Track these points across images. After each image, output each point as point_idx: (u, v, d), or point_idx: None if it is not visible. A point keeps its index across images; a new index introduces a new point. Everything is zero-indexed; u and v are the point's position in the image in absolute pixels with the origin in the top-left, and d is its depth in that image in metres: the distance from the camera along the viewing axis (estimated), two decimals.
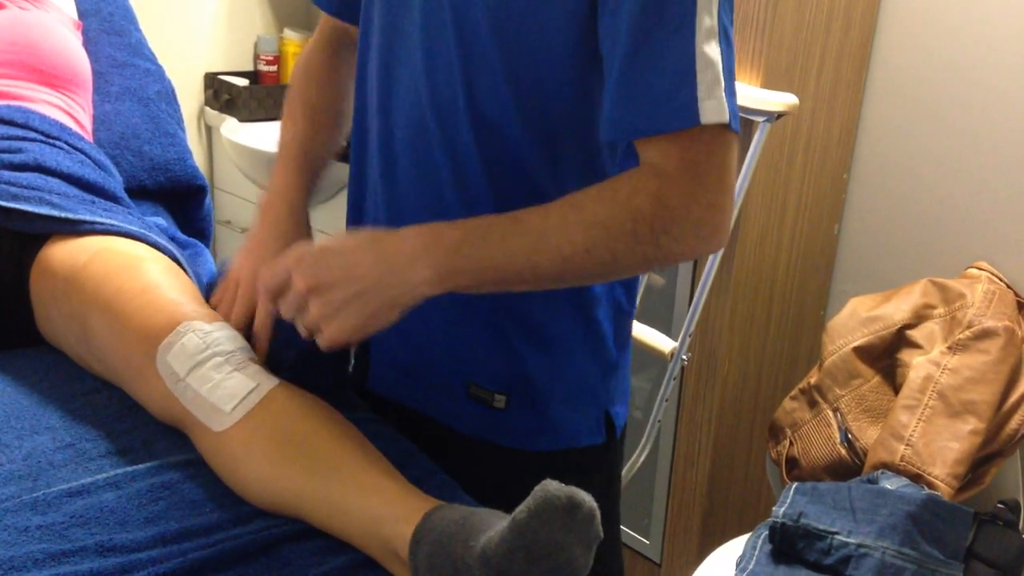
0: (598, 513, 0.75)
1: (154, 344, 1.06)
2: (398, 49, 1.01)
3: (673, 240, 0.90)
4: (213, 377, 1.01)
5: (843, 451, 1.72)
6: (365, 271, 0.90)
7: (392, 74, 1.03)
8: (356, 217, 1.15)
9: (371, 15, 1.05)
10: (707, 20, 0.87)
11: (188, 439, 1.05)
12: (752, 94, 1.60)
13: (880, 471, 1.62)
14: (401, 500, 0.87)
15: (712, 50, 0.87)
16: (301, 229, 1.13)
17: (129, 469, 1.01)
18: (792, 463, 1.79)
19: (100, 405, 1.13)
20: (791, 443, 1.80)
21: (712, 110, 0.87)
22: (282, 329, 1.09)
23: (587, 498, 0.74)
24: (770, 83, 1.66)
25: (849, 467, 1.71)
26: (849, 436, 1.72)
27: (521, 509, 0.73)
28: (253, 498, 0.96)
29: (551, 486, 0.73)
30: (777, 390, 1.96)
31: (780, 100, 1.58)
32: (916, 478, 1.59)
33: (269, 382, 1.01)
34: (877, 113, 1.90)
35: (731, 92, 0.90)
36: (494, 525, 0.76)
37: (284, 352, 1.09)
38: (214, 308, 1.13)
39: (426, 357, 1.11)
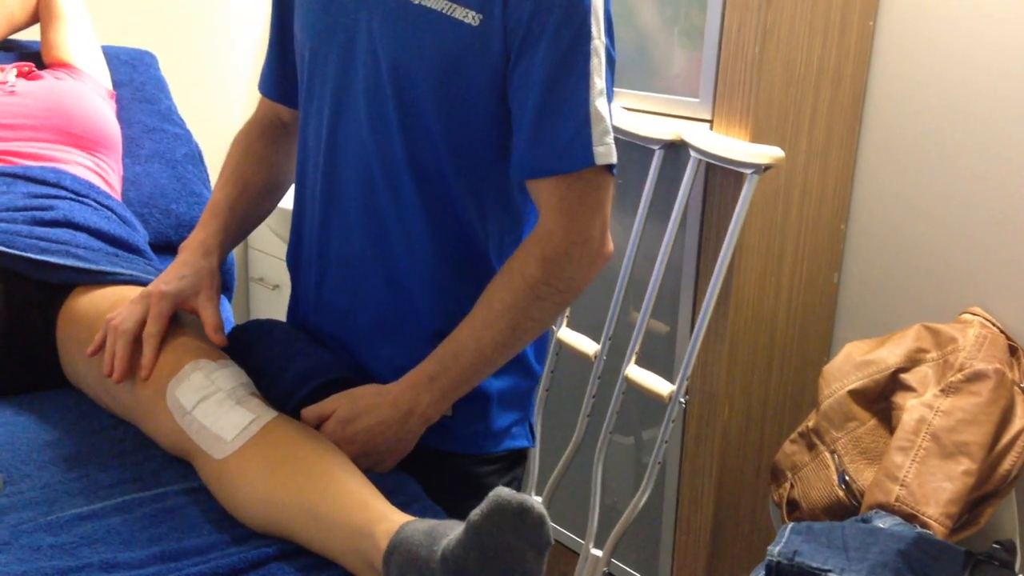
0: (547, 519, 0.82)
1: (165, 382, 1.15)
2: (344, 118, 1.17)
3: (569, 280, 1.13)
4: (216, 410, 1.10)
5: (841, 492, 1.76)
6: (386, 440, 1.14)
7: (337, 140, 1.19)
8: (296, 246, 1.33)
9: (313, 93, 1.21)
10: (598, 82, 1.08)
11: (193, 469, 1.13)
12: (739, 148, 1.67)
13: (875, 511, 1.65)
14: (380, 517, 0.95)
15: (602, 106, 1.09)
16: (209, 273, 1.24)
17: (137, 496, 1.09)
18: (793, 505, 1.83)
19: (115, 440, 1.22)
20: (792, 485, 1.84)
21: (602, 155, 1.09)
22: (293, 370, 1.19)
23: (537, 504, 0.81)
24: (759, 137, 1.73)
25: (847, 508, 1.75)
26: (847, 478, 1.75)
27: (475, 512, 0.81)
28: (248, 520, 1.04)
29: (503, 492, 0.80)
30: (782, 435, 2.00)
31: (766, 153, 1.65)
32: (910, 518, 1.62)
33: (267, 415, 1.10)
34: (871, 167, 1.97)
35: (612, 140, 1.11)
36: (456, 531, 0.83)
37: (293, 392, 1.19)
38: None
39: (381, 382, 1.23)
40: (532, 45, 1.08)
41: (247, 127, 1.38)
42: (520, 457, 1.33)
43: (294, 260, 1.33)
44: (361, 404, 1.13)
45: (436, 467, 1.24)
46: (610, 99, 1.12)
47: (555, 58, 1.07)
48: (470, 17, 1.08)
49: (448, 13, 1.08)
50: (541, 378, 1.34)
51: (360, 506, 0.97)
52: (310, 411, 1.15)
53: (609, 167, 1.11)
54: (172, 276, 1.22)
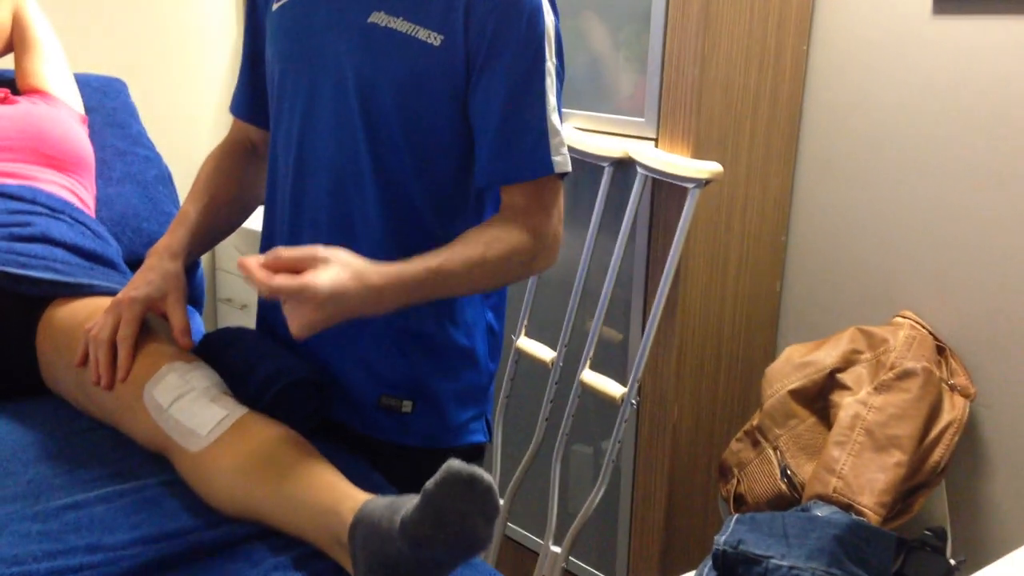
0: (495, 489, 0.91)
1: (142, 383, 1.23)
2: (313, 132, 1.27)
3: (541, 261, 1.24)
4: (191, 408, 1.18)
5: (783, 486, 1.86)
6: (342, 312, 1.10)
7: (305, 153, 1.28)
8: (271, 243, 1.38)
9: (283, 110, 1.30)
10: (552, 99, 1.21)
11: (170, 464, 1.21)
12: (682, 164, 1.79)
13: (814, 501, 1.75)
14: (344, 496, 1.03)
15: (556, 120, 1.21)
16: (175, 276, 1.31)
17: (117, 487, 1.17)
18: (739, 500, 1.93)
19: (95, 440, 1.30)
20: (738, 481, 1.94)
21: (559, 163, 1.22)
22: (262, 371, 1.27)
23: (486, 475, 0.90)
24: (701, 154, 1.85)
25: (789, 501, 1.85)
26: (788, 472, 1.86)
27: (430, 482, 0.90)
28: (223, 506, 1.12)
29: (455, 463, 0.89)
30: (731, 434, 2.10)
31: (706, 168, 1.76)
32: (847, 507, 1.73)
33: (238, 411, 1.18)
34: (809, 182, 2.09)
35: (565, 149, 1.23)
36: (413, 501, 0.92)
37: (263, 392, 1.27)
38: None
39: (344, 381, 1.33)
40: (493, 65, 1.18)
41: (219, 146, 1.47)
42: (477, 451, 1.41)
43: (269, 244, 1.40)
44: (347, 273, 1.07)
45: (395, 460, 1.32)
46: (560, 114, 1.23)
47: (515, 77, 1.18)
48: (432, 38, 1.18)
49: (412, 35, 1.18)
50: (495, 375, 1.43)
51: (327, 487, 1.06)
52: (289, 251, 1.08)
53: (563, 175, 1.24)
54: (140, 282, 1.29)
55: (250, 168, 1.45)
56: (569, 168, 1.23)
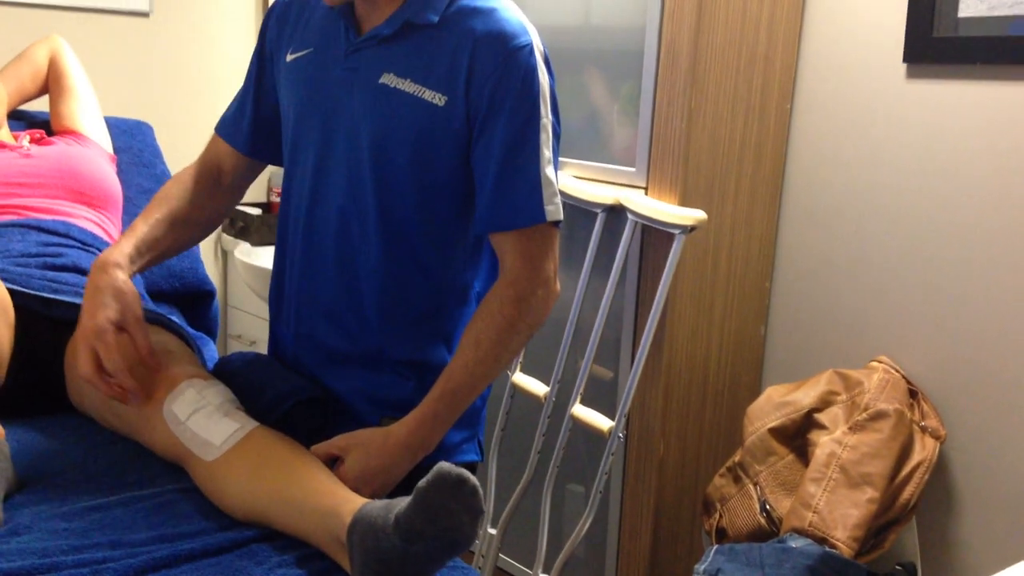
0: (480, 489, 1.02)
1: (162, 398, 1.34)
2: (325, 179, 1.38)
3: (535, 317, 1.33)
4: (207, 421, 1.30)
5: (763, 520, 1.95)
6: (396, 475, 1.31)
7: (318, 197, 1.40)
8: (277, 286, 1.51)
9: (298, 154, 1.42)
10: (546, 153, 1.31)
11: (185, 473, 1.32)
12: (669, 211, 1.91)
13: (790, 534, 1.85)
14: (344, 500, 1.14)
15: (551, 172, 1.32)
16: (126, 291, 1.35)
17: (138, 493, 1.28)
18: (721, 533, 2.02)
19: (117, 451, 1.41)
20: (720, 515, 2.04)
21: (552, 212, 1.31)
22: (273, 390, 1.39)
23: (472, 477, 1.01)
24: (688, 203, 1.97)
25: (768, 534, 1.94)
26: (767, 507, 1.95)
27: (423, 481, 1.01)
28: (234, 511, 1.23)
29: (445, 465, 1.01)
30: (715, 471, 2.20)
31: (691, 215, 1.88)
32: (822, 541, 1.82)
33: (250, 424, 1.29)
34: (792, 232, 2.21)
35: (558, 199, 1.33)
36: (406, 501, 1.03)
37: (273, 409, 1.38)
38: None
39: (347, 403, 1.43)
40: (492, 123, 1.29)
41: (187, 168, 1.55)
42: (470, 470, 1.51)
43: (275, 301, 1.53)
44: (372, 451, 1.29)
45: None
46: (556, 167, 1.35)
47: (511, 133, 1.29)
48: (437, 99, 1.31)
49: (419, 95, 1.31)
50: (487, 398, 1.53)
51: (328, 493, 1.17)
52: (319, 448, 1.30)
53: (557, 223, 1.34)
54: (96, 306, 1.33)
55: (214, 193, 1.53)
56: (561, 216, 1.33)
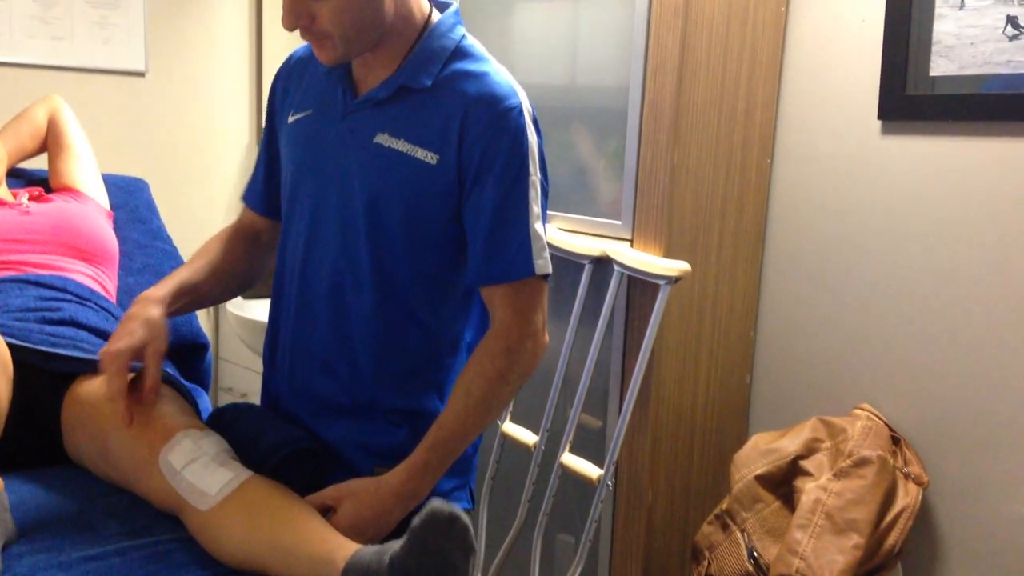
0: (471, 528, 1.05)
1: (157, 449, 1.37)
2: (320, 233, 1.43)
3: (524, 368, 1.37)
4: (202, 471, 1.32)
5: (750, 567, 1.98)
6: (389, 524, 1.34)
7: (313, 250, 1.44)
8: (272, 337, 1.54)
9: (294, 209, 1.46)
10: (535, 209, 1.36)
11: (181, 523, 1.34)
12: (653, 262, 1.96)
13: None
14: (337, 547, 1.17)
15: (539, 228, 1.37)
16: (156, 324, 1.41)
17: (133, 543, 1.30)
18: None
19: (113, 502, 1.43)
20: (709, 563, 2.06)
21: (540, 266, 1.36)
22: (268, 440, 1.42)
23: (463, 515, 1.05)
24: (673, 255, 2.02)
25: None
26: (755, 554, 1.97)
27: (416, 519, 1.04)
28: (228, 559, 1.25)
29: (437, 503, 1.04)
30: (704, 518, 2.22)
31: (675, 267, 1.93)
32: None
33: (244, 474, 1.32)
34: (775, 283, 2.26)
35: (547, 253, 1.37)
36: (399, 542, 1.06)
37: (267, 459, 1.41)
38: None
39: (341, 453, 1.45)
40: (482, 181, 1.34)
41: (228, 227, 1.62)
42: None
43: (270, 352, 1.56)
44: (364, 500, 1.32)
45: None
46: (544, 222, 1.40)
47: (501, 191, 1.34)
48: (429, 157, 1.36)
49: (411, 154, 1.36)
50: (478, 447, 1.56)
51: (321, 540, 1.19)
52: (312, 499, 1.33)
53: (546, 276, 1.38)
54: (123, 332, 1.39)
55: (251, 250, 1.60)
56: (549, 270, 1.37)
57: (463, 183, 1.36)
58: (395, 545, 1.07)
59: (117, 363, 1.36)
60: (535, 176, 1.37)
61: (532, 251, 1.35)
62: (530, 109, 1.38)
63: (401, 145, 1.36)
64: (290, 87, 1.51)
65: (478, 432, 1.39)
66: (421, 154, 1.35)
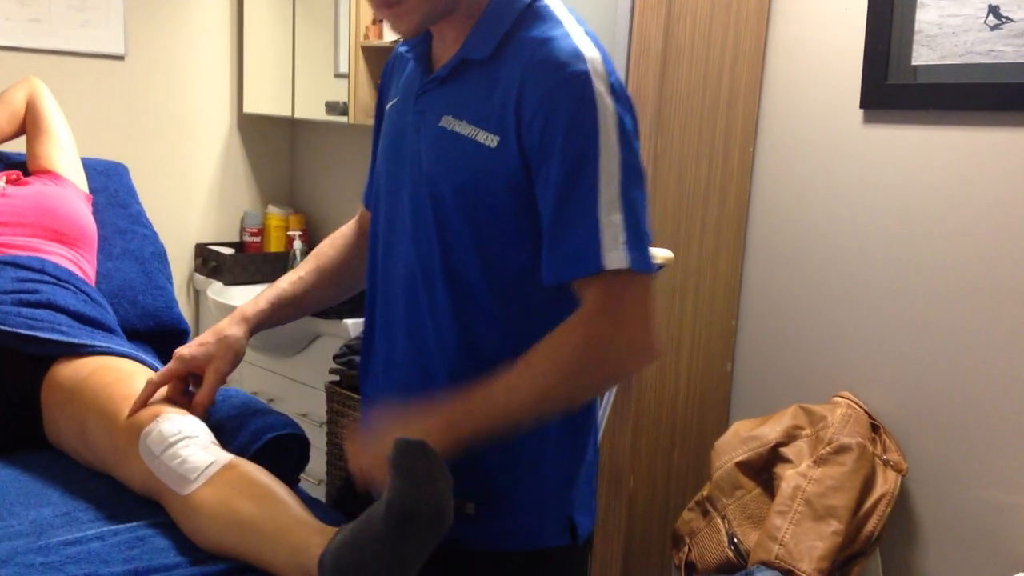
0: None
1: (137, 433, 1.36)
2: (395, 227, 1.30)
3: (610, 369, 1.17)
4: (181, 455, 1.31)
5: (731, 553, 1.99)
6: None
7: (392, 246, 1.32)
8: (368, 344, 1.40)
9: (379, 205, 1.36)
10: (607, 193, 1.13)
11: (161, 508, 1.33)
12: None
13: (757, 566, 1.88)
14: (317, 533, 1.16)
15: (615, 216, 1.12)
16: (231, 344, 1.41)
17: (113, 527, 1.29)
18: (691, 567, 2.05)
19: (92, 487, 1.42)
20: (689, 549, 2.07)
21: (615, 259, 1.12)
22: (252, 426, 1.43)
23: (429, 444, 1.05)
24: (655, 242, 2.01)
25: (736, 567, 1.97)
26: (735, 540, 1.98)
27: (390, 455, 1.04)
28: (207, 544, 1.24)
29: (401, 438, 1.04)
30: (685, 506, 2.23)
31: (658, 255, 1.93)
32: (788, 573, 1.85)
33: (224, 457, 1.31)
34: (757, 272, 2.27)
35: (635, 244, 1.13)
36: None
37: (250, 445, 1.42)
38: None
39: None
40: (545, 163, 1.15)
41: (345, 225, 1.55)
42: (550, 557, 1.31)
43: (367, 345, 1.41)
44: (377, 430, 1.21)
45: (453, 561, 1.25)
46: (632, 207, 1.14)
47: (563, 173, 1.13)
48: (490, 140, 1.17)
49: (473, 137, 1.19)
50: (580, 479, 1.32)
51: (297, 526, 1.18)
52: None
53: (640, 270, 1.13)
54: (199, 341, 1.41)
55: (362, 251, 1.50)
56: (627, 263, 1.12)
57: (528, 166, 1.17)
58: (376, 505, 1.06)
59: (174, 365, 1.39)
60: (611, 152, 1.13)
61: (601, 242, 1.12)
62: (605, 75, 1.15)
63: (463, 127, 1.20)
64: (393, 76, 1.41)
65: (523, 415, 1.17)
66: (483, 136, 1.19)
